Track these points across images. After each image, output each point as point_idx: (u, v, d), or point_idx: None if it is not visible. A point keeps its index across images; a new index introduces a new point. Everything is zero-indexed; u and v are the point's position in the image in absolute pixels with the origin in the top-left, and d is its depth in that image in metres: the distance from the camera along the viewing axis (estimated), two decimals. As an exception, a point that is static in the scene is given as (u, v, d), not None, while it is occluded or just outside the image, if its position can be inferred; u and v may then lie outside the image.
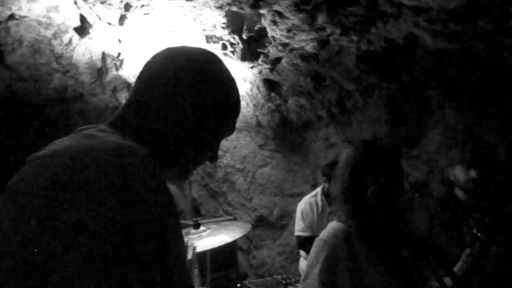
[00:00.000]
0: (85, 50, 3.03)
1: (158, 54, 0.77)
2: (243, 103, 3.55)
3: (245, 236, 4.21)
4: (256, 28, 2.81)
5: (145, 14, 2.71)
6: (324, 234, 1.26)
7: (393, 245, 1.30)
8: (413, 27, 2.44)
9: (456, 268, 1.98)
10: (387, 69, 2.91)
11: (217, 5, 2.58)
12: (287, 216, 4.11)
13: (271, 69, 3.26)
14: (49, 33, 2.80)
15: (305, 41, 2.82)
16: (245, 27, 2.83)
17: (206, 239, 1.92)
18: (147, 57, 0.78)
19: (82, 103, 3.46)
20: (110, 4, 2.60)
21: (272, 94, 3.61)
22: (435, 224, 2.40)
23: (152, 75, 0.74)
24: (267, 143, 4.16)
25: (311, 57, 3.03)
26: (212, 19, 2.74)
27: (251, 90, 3.65)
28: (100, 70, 3.24)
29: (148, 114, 0.72)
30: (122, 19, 2.75)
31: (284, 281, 2.62)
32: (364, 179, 1.26)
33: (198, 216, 4.26)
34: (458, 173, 2.34)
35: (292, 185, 4.08)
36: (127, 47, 3.10)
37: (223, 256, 3.38)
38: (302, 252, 3.12)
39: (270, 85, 3.53)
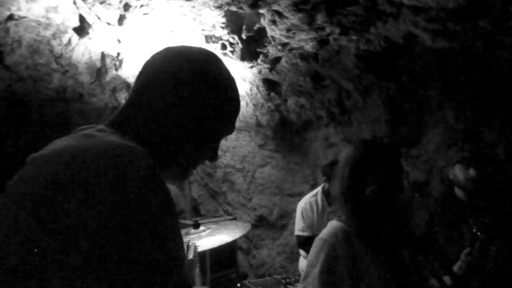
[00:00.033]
0: (84, 50, 3.03)
1: (157, 53, 0.77)
2: (242, 103, 3.55)
3: (245, 236, 4.21)
4: (255, 28, 2.81)
5: (144, 14, 2.71)
6: (324, 233, 1.26)
7: (393, 245, 1.30)
8: (413, 26, 2.44)
9: (455, 268, 1.98)
10: (387, 68, 2.91)
11: (216, 5, 2.58)
12: (287, 215, 4.11)
13: (271, 69, 3.26)
14: (48, 33, 2.79)
15: (305, 41, 2.82)
16: (244, 27, 2.83)
17: (205, 239, 1.92)
18: (147, 57, 0.78)
19: (82, 103, 3.46)
20: (109, 4, 2.60)
21: (272, 94, 3.61)
22: (434, 224, 2.40)
23: (151, 75, 0.74)
24: (266, 143, 4.16)
25: (310, 57, 3.03)
26: (212, 19, 2.74)
27: (250, 90, 3.65)
28: (99, 70, 3.24)
29: (147, 113, 0.72)
30: (121, 19, 2.75)
31: (284, 281, 2.62)
32: (363, 179, 1.26)
33: (198, 216, 4.26)
34: (458, 172, 2.34)
35: (291, 185, 4.08)
36: (127, 47, 3.10)
37: (223, 256, 3.39)
38: (301, 252, 3.12)
39: (269, 84, 3.53)
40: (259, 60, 3.13)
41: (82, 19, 2.77)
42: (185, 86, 0.72)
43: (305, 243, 2.94)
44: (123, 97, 3.55)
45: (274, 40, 2.89)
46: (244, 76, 3.44)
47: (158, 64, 0.75)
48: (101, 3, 2.58)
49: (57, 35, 2.83)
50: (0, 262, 0.54)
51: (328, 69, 3.12)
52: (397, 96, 3.06)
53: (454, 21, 2.27)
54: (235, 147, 4.29)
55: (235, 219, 4.04)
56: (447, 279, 1.49)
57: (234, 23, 2.81)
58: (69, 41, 2.91)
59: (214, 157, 0.82)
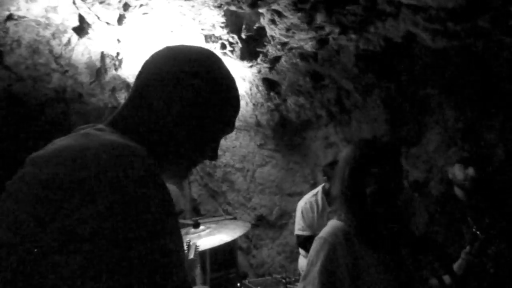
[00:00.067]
0: (84, 50, 3.03)
1: (157, 53, 0.77)
2: (242, 103, 3.55)
3: (245, 236, 4.21)
4: (255, 28, 2.81)
5: (144, 13, 2.71)
6: (324, 232, 1.26)
7: (392, 244, 1.30)
8: (412, 26, 2.44)
9: (455, 267, 1.98)
10: (386, 68, 2.91)
11: (216, 4, 2.58)
12: (287, 215, 4.11)
13: (270, 68, 3.26)
14: (48, 33, 2.79)
15: (304, 40, 2.82)
16: (244, 27, 2.83)
17: (205, 239, 1.92)
18: (146, 56, 0.78)
19: (81, 103, 3.46)
20: (108, 4, 2.60)
21: (271, 94, 3.61)
22: (434, 223, 2.40)
23: (151, 74, 0.74)
24: (266, 143, 4.16)
25: (310, 56, 3.03)
26: (211, 18, 2.74)
27: (250, 90, 3.65)
28: (99, 70, 3.23)
29: (147, 113, 0.72)
30: (121, 19, 2.75)
31: (283, 280, 2.61)
32: (363, 179, 1.26)
33: (198, 216, 4.26)
34: (457, 172, 2.35)
35: (291, 185, 4.08)
36: (126, 47, 3.10)
37: (223, 256, 3.39)
38: (301, 251, 3.12)
39: (269, 84, 3.53)
40: (258, 60, 3.13)
41: (81, 19, 2.77)
42: (185, 85, 0.72)
43: (305, 242, 2.94)
44: (122, 97, 3.55)
45: (273, 40, 2.89)
46: (244, 75, 3.44)
47: (158, 63, 0.75)
48: (101, 2, 2.58)
49: (57, 35, 2.83)
50: (0, 261, 0.54)
51: (327, 69, 3.12)
52: (397, 96, 3.06)
53: (454, 21, 2.27)
54: (234, 146, 4.29)
55: (235, 218, 4.04)
56: (447, 278, 1.49)
57: (233, 23, 2.81)
58: (69, 41, 2.91)
59: (214, 156, 0.81)
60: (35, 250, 0.52)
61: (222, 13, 2.68)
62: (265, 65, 3.20)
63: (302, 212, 3.03)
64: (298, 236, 3.05)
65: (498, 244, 2.07)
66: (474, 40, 2.40)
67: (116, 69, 3.31)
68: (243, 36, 2.88)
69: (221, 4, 2.58)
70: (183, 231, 1.91)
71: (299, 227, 3.03)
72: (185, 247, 1.57)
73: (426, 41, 2.53)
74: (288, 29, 2.70)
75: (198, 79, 0.73)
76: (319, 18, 2.53)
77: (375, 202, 1.25)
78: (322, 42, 2.82)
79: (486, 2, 2.09)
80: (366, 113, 3.31)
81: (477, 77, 2.65)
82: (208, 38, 2.96)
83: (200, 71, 0.74)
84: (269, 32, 2.81)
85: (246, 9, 2.61)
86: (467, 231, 2.08)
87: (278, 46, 2.95)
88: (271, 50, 3.01)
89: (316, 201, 3.04)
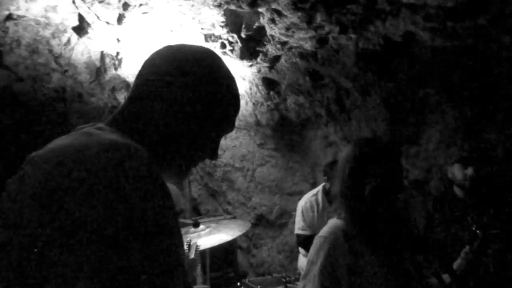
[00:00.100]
0: (83, 50, 3.03)
1: (157, 52, 0.77)
2: (242, 102, 3.54)
3: (245, 235, 4.21)
4: (254, 27, 2.81)
5: (144, 13, 2.70)
6: (324, 231, 1.27)
7: (392, 243, 1.30)
8: (412, 25, 2.44)
9: (455, 266, 1.98)
10: (386, 67, 2.91)
11: (216, 3, 2.58)
12: (287, 214, 4.11)
13: (270, 68, 3.26)
14: (47, 33, 2.79)
15: (304, 40, 2.82)
16: (243, 26, 2.83)
17: (205, 238, 1.92)
18: (146, 56, 0.78)
19: (81, 103, 3.46)
20: (108, 4, 2.59)
21: (271, 93, 3.61)
22: (434, 222, 2.40)
23: (151, 73, 0.74)
24: (266, 142, 4.16)
25: (309, 56, 3.03)
26: (211, 18, 2.74)
27: (250, 89, 3.65)
28: (98, 69, 3.23)
29: (147, 112, 0.72)
30: (120, 18, 2.75)
31: (284, 280, 2.62)
32: (363, 178, 1.26)
33: (198, 215, 4.26)
34: (456, 172, 2.35)
35: (291, 184, 4.09)
36: (126, 46, 3.10)
37: (223, 255, 3.39)
38: (301, 250, 3.12)
39: (269, 83, 3.53)
40: (258, 59, 3.13)
41: (81, 18, 2.77)
42: (185, 84, 0.72)
43: (305, 242, 2.94)
44: (122, 97, 3.55)
45: (273, 39, 2.89)
46: (244, 75, 3.43)
47: (158, 62, 0.75)
48: (100, 2, 2.58)
49: (56, 34, 2.83)
50: (0, 261, 0.54)
51: (327, 68, 3.12)
52: (397, 95, 3.06)
53: (453, 20, 2.27)
54: (234, 146, 4.29)
55: (234, 218, 4.04)
56: (446, 277, 1.49)
57: (233, 22, 2.81)
58: (68, 41, 2.91)
59: (214, 155, 0.81)
60: (35, 250, 0.52)
61: (222, 12, 2.68)
62: (265, 64, 3.20)
63: (302, 212, 3.03)
64: (298, 236, 3.05)
65: (498, 243, 2.08)
66: (473, 39, 2.40)
67: (115, 69, 3.31)
68: (242, 35, 2.88)
69: (221, 4, 2.58)
70: (183, 230, 1.91)
71: (299, 226, 3.03)
72: (186, 246, 1.57)
73: (425, 39, 2.53)
74: (287, 29, 2.70)
75: (198, 78, 0.73)
76: (319, 17, 2.53)
77: (375, 201, 1.25)
78: (321, 41, 2.82)
79: (486, 1, 2.09)
80: (365, 112, 3.31)
81: (476, 76, 2.65)
82: (207, 37, 2.96)
83: (200, 70, 0.74)
84: (268, 31, 2.81)
85: (245, 8, 2.61)
86: (467, 230, 2.08)
87: (278, 46, 2.95)
88: (271, 49, 3.01)
89: (317, 200, 3.04)
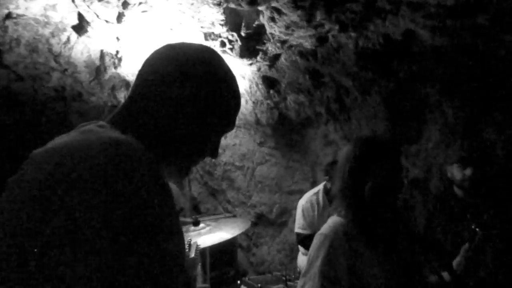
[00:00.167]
0: (83, 49, 3.02)
1: (157, 51, 0.77)
2: (242, 100, 3.54)
3: (245, 234, 4.22)
4: (254, 25, 2.81)
5: (143, 11, 2.70)
6: (324, 229, 1.27)
7: (392, 241, 1.30)
8: (412, 23, 2.44)
9: (455, 264, 1.99)
10: (386, 66, 2.91)
11: (215, 2, 2.58)
12: (287, 213, 4.11)
13: (270, 66, 3.25)
14: (47, 31, 2.79)
15: (304, 38, 2.82)
16: (243, 24, 2.83)
17: (205, 237, 1.93)
18: (146, 55, 0.78)
19: (81, 102, 3.46)
20: (107, 2, 2.59)
21: (271, 92, 3.61)
22: (433, 220, 2.41)
23: (152, 72, 0.74)
24: (266, 141, 4.16)
25: (309, 54, 3.03)
26: (210, 16, 2.73)
27: (250, 88, 3.64)
28: (98, 68, 3.23)
29: (148, 111, 0.72)
30: (120, 17, 2.74)
31: (284, 278, 2.62)
32: (363, 176, 1.26)
33: (198, 214, 4.27)
34: (455, 172, 2.36)
35: (291, 183, 4.09)
36: (126, 45, 3.09)
37: (223, 254, 3.39)
38: (301, 248, 3.12)
39: (269, 82, 3.53)
40: (258, 58, 3.12)
41: (80, 17, 2.76)
42: (186, 82, 0.72)
43: (304, 240, 2.95)
44: (122, 96, 3.55)
45: (273, 37, 2.88)
46: (244, 73, 3.43)
47: (158, 61, 0.75)
48: (100, 1, 2.57)
49: (56, 33, 2.83)
50: (1, 259, 0.54)
51: (327, 67, 3.12)
52: (396, 94, 3.06)
53: (453, 18, 2.27)
54: (234, 144, 4.29)
55: (234, 216, 4.05)
56: (446, 275, 1.50)
57: (233, 21, 2.81)
58: (68, 40, 2.90)
59: (214, 154, 0.82)
60: (35, 250, 0.52)
61: (222, 10, 2.68)
62: (265, 63, 3.20)
63: (303, 211, 3.03)
64: (298, 234, 3.06)
65: (498, 243, 2.08)
66: (473, 37, 2.40)
67: (115, 68, 3.31)
68: (242, 34, 2.88)
69: (221, 2, 2.58)
70: (183, 229, 1.91)
71: (299, 225, 3.03)
72: (186, 246, 1.57)
73: (425, 38, 2.53)
74: (287, 27, 2.70)
75: (199, 77, 0.73)
76: (319, 16, 2.53)
77: (375, 200, 1.25)
78: (321, 39, 2.82)
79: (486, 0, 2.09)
80: (365, 111, 3.31)
81: (476, 75, 2.65)
82: (207, 36, 2.95)
83: (200, 68, 0.74)
84: (268, 29, 2.81)
85: (245, 7, 2.60)
86: (466, 229, 2.09)
87: (278, 44, 2.95)
88: (271, 48, 3.00)
89: (317, 199, 3.04)
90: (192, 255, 1.53)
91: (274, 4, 2.51)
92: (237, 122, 0.82)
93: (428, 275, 1.45)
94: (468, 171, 2.29)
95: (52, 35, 2.82)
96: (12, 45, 2.79)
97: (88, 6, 2.64)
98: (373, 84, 3.12)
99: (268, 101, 3.75)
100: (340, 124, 3.60)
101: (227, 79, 0.78)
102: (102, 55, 3.17)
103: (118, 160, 0.57)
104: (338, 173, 1.32)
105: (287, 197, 4.09)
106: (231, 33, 2.89)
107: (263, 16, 2.69)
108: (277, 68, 3.28)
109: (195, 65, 0.74)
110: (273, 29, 2.77)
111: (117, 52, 3.18)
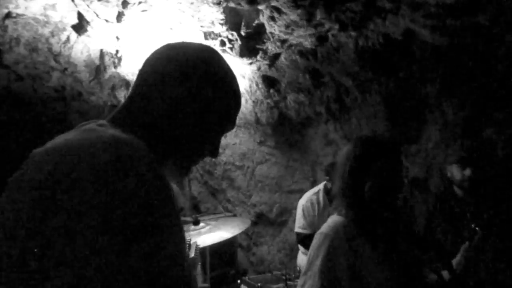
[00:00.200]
0: (83, 48, 3.02)
1: (158, 50, 0.77)
2: (242, 100, 3.54)
3: (245, 233, 4.22)
4: (254, 24, 2.81)
5: (143, 11, 2.70)
6: (324, 227, 1.27)
7: (392, 240, 1.31)
8: (411, 23, 2.44)
9: (454, 263, 1.99)
10: (386, 65, 2.91)
11: (215, 1, 2.58)
12: (287, 212, 4.11)
13: (270, 66, 3.25)
14: (46, 31, 2.79)
15: (303, 37, 2.81)
16: (243, 24, 2.82)
17: (205, 236, 1.93)
18: (146, 54, 0.78)
19: (81, 102, 3.46)
20: (107, 1, 2.59)
21: (271, 91, 3.61)
22: (433, 219, 2.41)
23: (153, 71, 0.74)
24: (266, 140, 4.16)
25: (309, 53, 3.03)
26: (210, 15, 2.73)
27: (250, 87, 3.64)
28: (98, 68, 3.23)
29: (148, 110, 0.72)
30: (119, 16, 2.74)
31: (284, 277, 2.62)
32: (363, 176, 1.26)
33: (198, 213, 4.27)
34: (455, 172, 2.36)
35: (291, 182, 4.09)
36: (125, 44, 3.09)
37: (223, 254, 3.39)
38: (300, 248, 3.13)
39: (269, 81, 3.53)
40: (258, 57, 3.12)
41: (80, 16, 2.76)
42: (186, 82, 0.72)
43: (304, 240, 2.95)
44: (122, 95, 3.55)
45: (273, 37, 2.88)
46: (244, 73, 3.43)
47: (158, 61, 0.75)
48: (99, 0, 2.57)
49: (56, 32, 2.82)
50: (1, 259, 0.54)
51: (327, 66, 3.12)
52: (396, 93, 3.06)
53: (453, 18, 2.27)
54: (234, 144, 4.29)
55: (234, 216, 4.05)
56: (446, 274, 1.50)
57: (233, 20, 2.81)
58: (68, 39, 2.90)
59: (215, 153, 0.82)
60: (35, 250, 0.52)
61: (221, 10, 2.68)
62: (265, 62, 3.20)
63: (303, 210, 3.03)
64: (298, 234, 3.06)
65: (498, 243, 2.08)
66: (473, 37, 2.40)
67: (115, 67, 3.30)
68: (242, 33, 2.88)
69: (220, 1, 2.58)
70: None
71: (299, 225, 3.03)
72: (186, 246, 1.57)
73: (425, 37, 2.53)
74: (287, 26, 2.70)
75: (199, 77, 0.73)
76: (319, 15, 2.53)
77: (375, 199, 1.25)
78: (321, 39, 2.82)
79: (486, -1, 2.09)
80: (365, 111, 3.31)
81: (476, 74, 2.65)
82: (207, 35, 2.95)
83: (201, 68, 0.74)
84: (268, 29, 2.81)
85: (245, 6, 2.60)
86: (466, 227, 2.09)
87: (278, 43, 2.95)
88: (271, 47, 3.00)
89: (318, 199, 3.04)
90: (192, 254, 1.53)
91: (274, 3, 2.51)
92: (237, 121, 0.82)
93: (428, 274, 1.45)
94: (468, 171, 2.29)
95: (52, 34, 2.82)
96: (12, 44, 2.79)
97: (87, 6, 2.63)
98: (373, 84, 3.12)
99: (268, 101, 3.75)
100: (340, 123, 3.60)
101: (227, 79, 0.78)
102: (102, 54, 3.16)
103: (119, 159, 0.57)
104: (338, 172, 1.32)
105: (287, 197, 4.09)
106: (231, 32, 2.89)
107: (263, 15, 2.69)
108: (277, 67, 3.28)
109: (195, 64, 0.74)
110: (273, 28, 2.77)
111: (117, 51, 3.18)
